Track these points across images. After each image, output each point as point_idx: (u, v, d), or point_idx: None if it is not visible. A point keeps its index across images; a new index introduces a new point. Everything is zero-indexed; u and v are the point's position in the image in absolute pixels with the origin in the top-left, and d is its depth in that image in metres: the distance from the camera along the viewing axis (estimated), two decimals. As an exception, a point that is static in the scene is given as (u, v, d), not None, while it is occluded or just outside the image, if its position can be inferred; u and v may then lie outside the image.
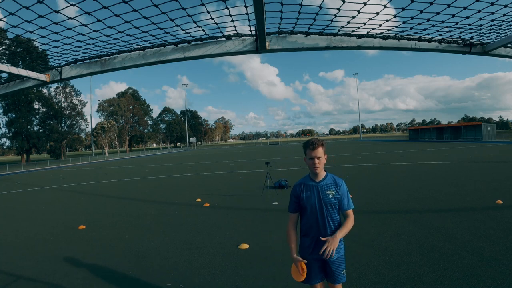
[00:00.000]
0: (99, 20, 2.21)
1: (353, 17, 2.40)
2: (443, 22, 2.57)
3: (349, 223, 2.27)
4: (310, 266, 2.33)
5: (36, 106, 54.98)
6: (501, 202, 6.57)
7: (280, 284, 3.59)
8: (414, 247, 4.40)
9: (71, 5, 2.01)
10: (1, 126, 51.31)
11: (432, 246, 4.39)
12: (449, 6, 2.27)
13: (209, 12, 2.25)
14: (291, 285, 3.49)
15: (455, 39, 2.98)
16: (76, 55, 2.93)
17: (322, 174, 2.36)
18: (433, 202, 7.00)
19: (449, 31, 2.83)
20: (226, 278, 3.85)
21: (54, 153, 57.64)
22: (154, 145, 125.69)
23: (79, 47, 2.71)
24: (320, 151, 2.28)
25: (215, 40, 2.71)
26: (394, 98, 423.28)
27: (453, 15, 2.46)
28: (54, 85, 59.71)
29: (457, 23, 2.62)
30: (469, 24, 2.65)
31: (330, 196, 2.29)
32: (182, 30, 2.49)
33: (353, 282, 3.50)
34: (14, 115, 50.67)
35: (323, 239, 2.18)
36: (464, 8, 2.32)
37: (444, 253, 4.14)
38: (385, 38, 2.79)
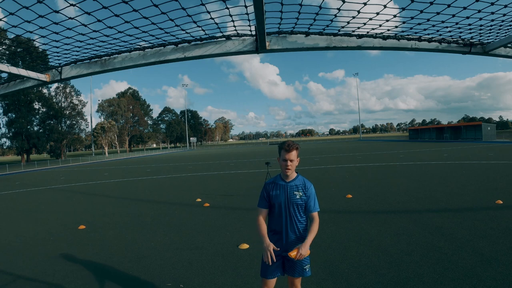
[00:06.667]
0: (99, 20, 2.21)
1: (353, 17, 2.39)
2: (443, 22, 2.57)
3: (315, 227, 2.39)
4: (272, 261, 2.39)
5: (36, 106, 55.00)
6: (501, 202, 6.57)
7: (280, 285, 3.58)
8: (414, 247, 4.40)
9: (71, 5, 2.01)
10: (1, 126, 51.39)
11: (432, 246, 4.39)
12: (449, 6, 2.26)
13: (209, 12, 2.25)
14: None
15: (455, 39, 2.98)
16: (76, 55, 2.92)
17: (293, 175, 2.48)
18: (433, 202, 7.00)
19: (449, 31, 2.82)
20: (226, 278, 3.85)
21: (54, 153, 57.67)
22: (154, 145, 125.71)
23: (79, 47, 2.71)
24: (293, 154, 2.39)
25: (215, 40, 2.71)
26: (394, 98, 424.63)
27: (453, 15, 2.45)
28: (54, 85, 59.76)
29: (457, 23, 2.62)
30: (469, 24, 2.64)
31: (297, 196, 2.41)
32: (182, 30, 2.49)
33: (353, 282, 3.50)
34: (14, 115, 50.70)
35: (292, 254, 2.25)
36: (464, 8, 2.32)
37: (444, 253, 4.14)
38: (385, 38, 2.79)
